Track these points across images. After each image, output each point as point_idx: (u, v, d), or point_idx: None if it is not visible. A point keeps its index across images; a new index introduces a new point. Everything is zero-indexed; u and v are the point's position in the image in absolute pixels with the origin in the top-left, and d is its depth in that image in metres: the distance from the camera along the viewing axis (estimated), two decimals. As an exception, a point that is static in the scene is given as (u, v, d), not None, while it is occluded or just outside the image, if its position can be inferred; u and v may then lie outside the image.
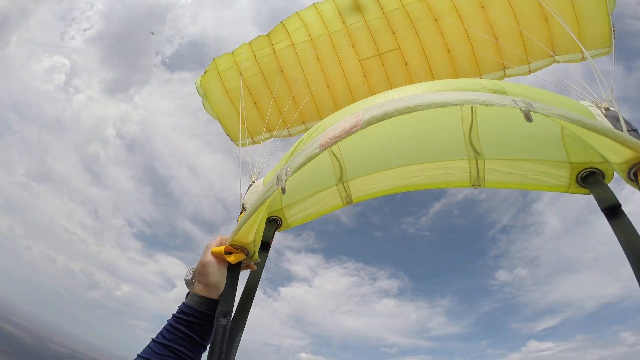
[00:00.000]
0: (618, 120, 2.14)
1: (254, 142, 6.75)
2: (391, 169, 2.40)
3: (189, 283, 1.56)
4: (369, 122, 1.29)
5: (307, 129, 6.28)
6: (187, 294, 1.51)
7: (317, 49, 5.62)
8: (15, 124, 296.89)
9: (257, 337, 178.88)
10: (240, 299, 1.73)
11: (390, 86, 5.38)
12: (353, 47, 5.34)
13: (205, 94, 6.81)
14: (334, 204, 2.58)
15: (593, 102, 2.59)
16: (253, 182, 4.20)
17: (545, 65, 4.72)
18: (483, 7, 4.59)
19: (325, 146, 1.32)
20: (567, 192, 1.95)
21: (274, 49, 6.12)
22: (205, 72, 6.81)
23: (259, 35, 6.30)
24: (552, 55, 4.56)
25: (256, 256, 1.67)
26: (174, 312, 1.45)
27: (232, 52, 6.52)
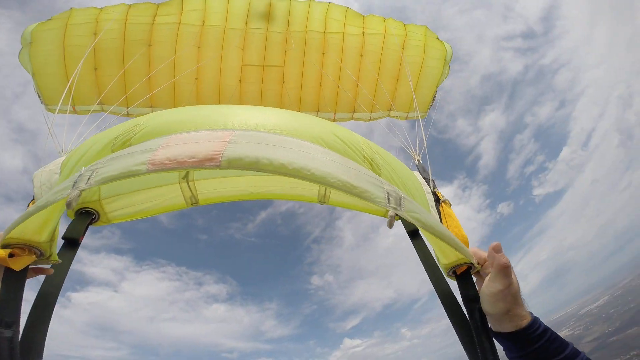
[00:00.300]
0: (425, 170, 2.97)
1: (75, 112, 4.86)
2: (244, 176, 2.22)
3: None
4: (230, 164, 0.99)
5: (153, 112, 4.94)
6: None
7: (203, 38, 4.78)
8: None
9: (50, 350, 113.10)
10: (34, 307, 1.35)
11: (261, 99, 5.04)
12: (242, 49, 4.73)
13: (31, 42, 4.97)
14: (174, 203, 2.17)
15: (411, 153, 3.55)
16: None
17: (382, 117, 5.52)
18: (362, 56, 5.11)
19: (158, 167, 0.97)
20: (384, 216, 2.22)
21: (154, 20, 5.00)
22: (49, 19, 5.13)
23: (147, 1, 5.16)
24: (390, 110, 5.44)
25: (54, 257, 1.37)
26: None
27: (101, 8, 5.13)
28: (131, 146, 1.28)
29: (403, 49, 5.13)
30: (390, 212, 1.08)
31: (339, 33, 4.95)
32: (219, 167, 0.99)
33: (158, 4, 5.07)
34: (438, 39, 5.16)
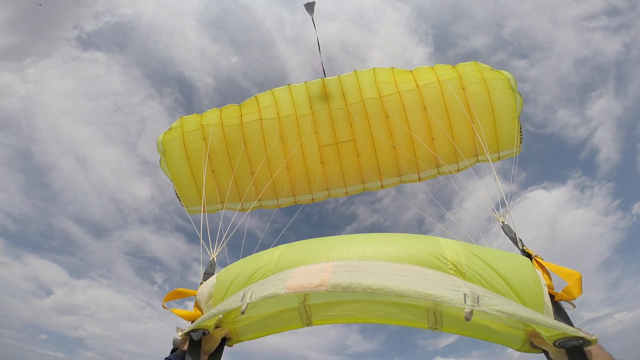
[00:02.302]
0: (510, 231, 3.14)
1: (205, 211, 6.36)
2: (354, 302, 2.56)
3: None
4: (334, 288, 1.60)
5: (261, 206, 6.10)
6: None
7: (282, 129, 5.65)
8: None
9: None
10: None
11: (343, 177, 5.58)
12: (315, 133, 5.43)
13: (164, 151, 6.51)
14: (291, 324, 2.72)
15: (494, 216, 3.60)
16: (213, 259, 4.02)
17: (471, 165, 5.29)
18: (425, 109, 5.22)
19: (291, 291, 1.65)
20: (519, 350, 2.24)
21: (242, 120, 6.10)
22: (170, 129, 6.58)
23: (231, 104, 6.31)
24: (477, 155, 5.24)
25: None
26: None
27: (201, 114, 6.45)
28: (272, 275, 2.04)
29: (463, 89, 5.10)
30: (467, 309, 1.43)
31: (395, 93, 5.19)
32: (326, 290, 1.63)
33: (240, 105, 6.11)
34: (492, 69, 4.94)
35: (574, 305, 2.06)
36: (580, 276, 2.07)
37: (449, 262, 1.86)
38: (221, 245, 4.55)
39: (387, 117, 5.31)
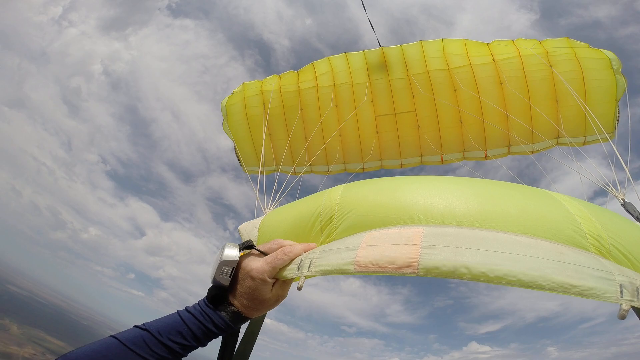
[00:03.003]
0: (635, 210, 2.72)
1: (262, 173, 6.78)
2: None
3: (220, 284, 1.34)
4: (428, 272, 1.03)
5: (312, 171, 6.35)
6: (215, 300, 1.32)
7: (337, 96, 5.70)
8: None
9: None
10: (243, 337, 1.66)
11: (400, 148, 5.38)
12: (372, 102, 5.37)
13: (227, 114, 7.04)
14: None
15: (611, 192, 3.14)
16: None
17: (548, 147, 4.75)
18: (501, 84, 4.70)
19: (363, 269, 1.10)
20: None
21: (299, 87, 6.27)
22: (232, 94, 7.06)
23: (290, 71, 6.51)
24: (558, 137, 4.63)
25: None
26: (193, 310, 1.28)
27: (262, 80, 6.78)
28: (335, 240, 1.39)
29: (551, 66, 4.48)
30: (624, 306, 0.97)
31: (466, 66, 4.76)
32: (417, 274, 1.02)
33: (298, 72, 6.26)
34: (590, 47, 4.32)
35: None
36: None
37: (588, 236, 1.25)
38: (275, 203, 4.94)
39: (455, 90, 4.94)
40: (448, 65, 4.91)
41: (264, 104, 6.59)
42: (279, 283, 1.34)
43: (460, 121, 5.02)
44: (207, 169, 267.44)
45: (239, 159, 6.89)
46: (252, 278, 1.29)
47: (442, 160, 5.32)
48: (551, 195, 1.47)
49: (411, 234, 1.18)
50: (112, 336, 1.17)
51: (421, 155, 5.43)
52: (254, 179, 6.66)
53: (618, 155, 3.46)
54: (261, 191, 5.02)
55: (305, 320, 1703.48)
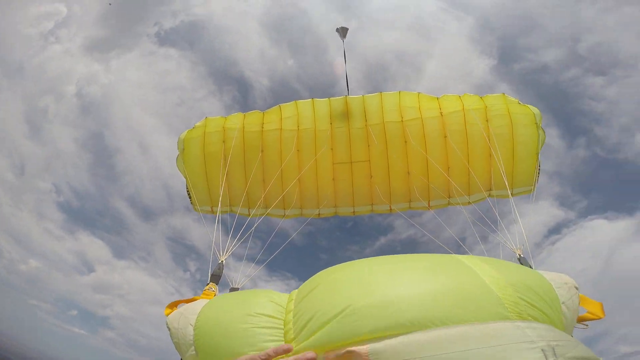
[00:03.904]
0: (527, 262, 3.28)
1: (212, 212, 6.40)
2: None
3: None
4: None
5: (268, 214, 6.04)
6: None
7: (299, 141, 5.68)
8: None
9: None
10: None
11: (353, 196, 5.51)
12: (332, 149, 5.44)
13: (184, 148, 6.67)
14: None
15: (511, 248, 3.68)
16: (222, 262, 4.02)
17: (481, 199, 5.20)
18: (445, 137, 5.15)
19: None
20: None
21: (262, 128, 6.18)
22: (193, 127, 6.78)
23: (255, 111, 6.44)
24: (490, 190, 5.13)
25: None
26: None
27: (225, 117, 6.61)
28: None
29: (487, 121, 4.99)
30: None
31: (417, 119, 5.17)
32: None
33: (264, 113, 6.23)
34: (520, 103, 4.86)
35: (587, 325, 2.04)
36: (602, 304, 2.05)
37: (506, 305, 1.43)
38: (232, 248, 4.50)
39: (406, 142, 5.28)
40: (402, 118, 5.31)
41: (224, 141, 6.38)
42: None
43: (408, 173, 5.33)
44: (170, 207, 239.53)
45: (189, 196, 6.42)
46: None
47: (391, 210, 5.53)
48: (463, 264, 1.67)
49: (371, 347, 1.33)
50: None
51: (372, 204, 5.59)
52: (207, 219, 6.16)
53: (516, 213, 3.93)
54: (217, 231, 4.62)
55: None
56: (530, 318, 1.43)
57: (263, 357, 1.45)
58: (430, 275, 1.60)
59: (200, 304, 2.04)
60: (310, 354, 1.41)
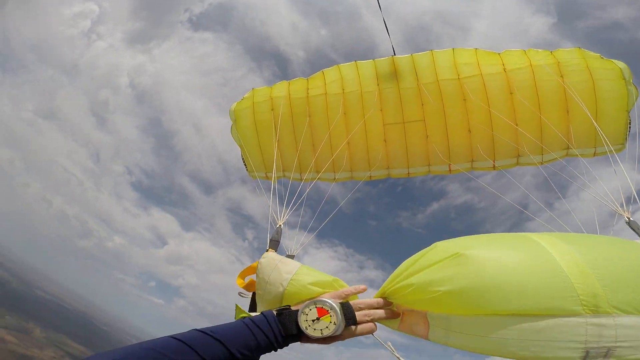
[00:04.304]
0: (638, 228, 2.83)
1: (267, 178, 6.85)
2: None
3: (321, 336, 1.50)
4: (434, 341, 1.52)
5: (319, 179, 6.31)
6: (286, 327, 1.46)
7: (346, 104, 5.69)
8: (32, 63, 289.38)
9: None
10: None
11: (407, 157, 5.34)
12: (381, 110, 5.34)
13: (235, 119, 7.09)
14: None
15: (616, 209, 3.16)
16: (280, 225, 4.14)
17: (558, 158, 4.74)
18: (511, 94, 4.68)
19: None
20: None
21: (308, 94, 6.29)
22: (242, 99, 7.12)
23: (299, 78, 6.55)
24: (568, 148, 4.62)
25: None
26: (262, 326, 1.40)
27: (271, 87, 6.83)
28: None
29: (562, 77, 4.51)
30: None
31: (476, 75, 4.73)
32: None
33: (307, 79, 6.29)
34: (602, 57, 4.27)
35: None
36: None
37: (580, 297, 1.33)
38: (288, 213, 4.84)
39: (464, 100, 4.90)
40: (458, 75, 4.89)
41: (272, 109, 6.62)
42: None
43: (469, 130, 4.99)
44: (227, 180, 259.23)
45: (245, 164, 6.90)
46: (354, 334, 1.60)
47: (450, 170, 5.30)
48: (539, 245, 1.53)
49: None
50: (179, 340, 1.19)
51: (429, 165, 5.41)
52: (262, 185, 6.64)
53: (624, 170, 3.47)
54: (274, 198, 4.93)
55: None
56: (616, 311, 1.29)
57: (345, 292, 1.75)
58: (516, 261, 1.48)
59: (294, 265, 2.12)
60: (386, 311, 1.69)
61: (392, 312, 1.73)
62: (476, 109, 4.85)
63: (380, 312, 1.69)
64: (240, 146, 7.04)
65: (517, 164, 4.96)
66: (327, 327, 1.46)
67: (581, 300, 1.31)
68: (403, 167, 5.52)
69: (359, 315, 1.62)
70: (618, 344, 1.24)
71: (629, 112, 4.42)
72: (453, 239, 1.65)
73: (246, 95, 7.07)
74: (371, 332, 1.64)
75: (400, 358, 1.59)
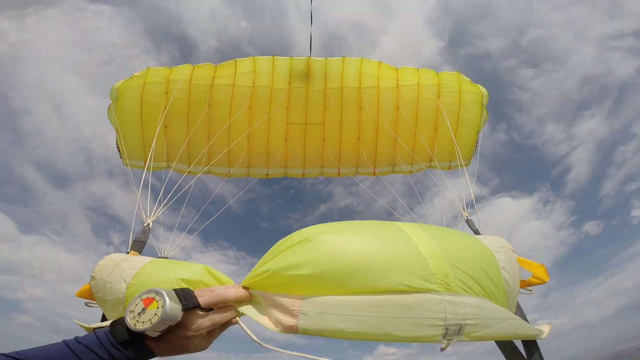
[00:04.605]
0: (473, 225, 3.58)
1: (147, 168, 5.67)
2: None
3: (144, 335, 1.19)
4: (305, 331, 1.33)
5: (210, 172, 5.52)
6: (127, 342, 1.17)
7: (253, 98, 5.25)
8: None
9: None
10: None
11: (304, 157, 5.38)
12: (287, 108, 5.11)
13: (117, 98, 5.81)
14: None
15: (458, 209, 3.91)
16: (148, 224, 3.56)
17: (424, 168, 5.53)
18: (398, 108, 5.27)
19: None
20: None
21: (213, 82, 5.62)
22: (131, 77, 5.93)
23: (207, 63, 5.83)
24: (431, 160, 5.43)
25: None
26: (88, 342, 1.13)
27: (171, 68, 5.90)
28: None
29: (439, 96, 5.17)
30: (443, 345, 1.34)
31: (374, 87, 5.16)
32: (296, 332, 1.39)
33: (216, 66, 5.67)
34: (472, 82, 5.14)
35: (531, 290, 2.07)
36: (545, 270, 2.04)
37: (436, 276, 1.46)
38: (159, 211, 3.91)
39: (360, 109, 5.24)
40: (360, 84, 5.21)
41: (166, 92, 5.67)
42: (208, 336, 1.33)
43: (359, 138, 5.38)
44: (89, 172, 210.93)
45: (119, 150, 5.59)
46: (192, 336, 1.25)
47: (339, 174, 5.60)
48: (402, 231, 1.67)
49: (294, 304, 1.40)
50: None
51: (322, 167, 5.54)
52: (137, 177, 5.41)
53: (468, 180, 4.31)
54: (147, 192, 3.99)
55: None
56: (460, 290, 1.45)
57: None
58: (375, 243, 1.57)
59: (140, 260, 1.96)
60: (237, 288, 1.47)
61: (245, 291, 1.47)
62: (368, 118, 5.25)
63: (232, 290, 1.42)
64: (117, 130, 5.74)
65: (392, 171, 5.62)
66: (155, 314, 1.18)
67: (437, 278, 1.44)
68: (299, 167, 5.50)
69: (205, 296, 1.31)
70: (467, 322, 1.38)
71: (478, 133, 5.42)
72: (319, 225, 1.65)
73: (137, 74, 5.93)
74: (231, 317, 1.38)
75: (255, 338, 1.34)
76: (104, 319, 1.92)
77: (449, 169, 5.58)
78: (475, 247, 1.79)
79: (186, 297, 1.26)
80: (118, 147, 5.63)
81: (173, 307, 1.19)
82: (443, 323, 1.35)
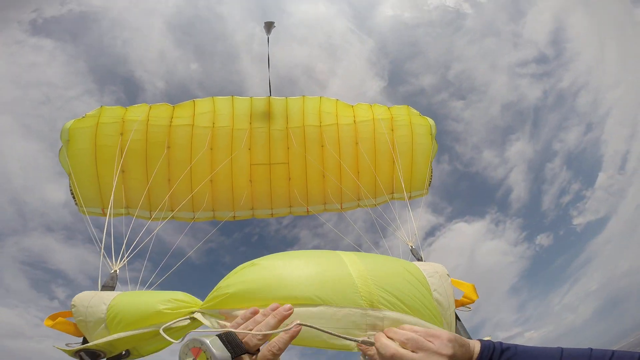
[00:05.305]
0: (418, 254, 3.84)
1: (103, 214, 5.45)
2: None
3: None
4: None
5: (173, 218, 5.44)
6: None
7: (214, 140, 5.28)
8: None
9: None
10: None
11: (271, 198, 5.45)
12: (249, 149, 5.18)
13: (69, 139, 5.55)
14: None
15: (404, 239, 4.22)
16: (115, 271, 3.50)
17: (387, 200, 5.83)
18: (357, 144, 5.59)
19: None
20: None
21: (171, 122, 5.55)
22: (83, 117, 5.69)
23: (164, 103, 5.75)
24: (393, 192, 5.82)
25: None
26: None
27: (126, 108, 5.74)
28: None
29: (392, 130, 5.56)
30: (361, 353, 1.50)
31: (334, 125, 5.44)
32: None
33: (174, 106, 5.61)
34: (420, 115, 5.61)
35: (470, 308, 2.31)
36: (474, 285, 2.35)
37: (361, 295, 1.75)
38: (125, 258, 3.85)
39: (322, 146, 5.47)
40: (320, 122, 5.45)
41: (122, 134, 5.51)
42: None
43: (324, 176, 5.59)
44: (22, 227, 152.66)
45: (73, 196, 5.33)
46: None
47: (308, 212, 5.73)
48: (339, 258, 1.97)
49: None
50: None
51: (290, 206, 5.64)
52: (94, 224, 5.18)
53: (410, 212, 4.58)
54: (108, 239, 3.89)
55: None
56: (382, 307, 1.71)
57: None
58: (311, 266, 1.88)
59: (114, 292, 2.22)
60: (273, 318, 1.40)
61: (282, 312, 1.41)
62: (330, 156, 5.51)
63: (270, 320, 1.32)
64: (69, 174, 5.46)
65: (358, 206, 5.84)
66: None
67: (362, 296, 1.71)
68: (267, 208, 5.56)
69: (247, 337, 1.25)
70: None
71: (431, 163, 5.86)
72: (271, 254, 1.95)
73: (90, 113, 5.71)
74: (279, 351, 1.26)
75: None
76: (84, 342, 2.09)
77: (410, 199, 5.87)
78: (404, 272, 2.08)
79: (232, 344, 1.21)
80: (72, 193, 5.37)
81: (224, 356, 1.16)
82: (365, 333, 1.60)
